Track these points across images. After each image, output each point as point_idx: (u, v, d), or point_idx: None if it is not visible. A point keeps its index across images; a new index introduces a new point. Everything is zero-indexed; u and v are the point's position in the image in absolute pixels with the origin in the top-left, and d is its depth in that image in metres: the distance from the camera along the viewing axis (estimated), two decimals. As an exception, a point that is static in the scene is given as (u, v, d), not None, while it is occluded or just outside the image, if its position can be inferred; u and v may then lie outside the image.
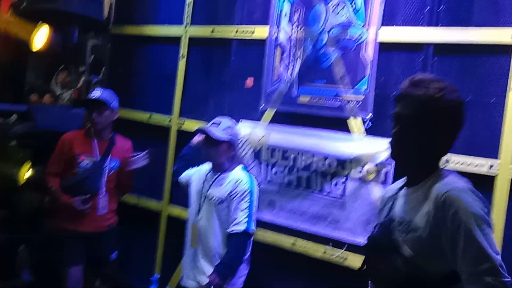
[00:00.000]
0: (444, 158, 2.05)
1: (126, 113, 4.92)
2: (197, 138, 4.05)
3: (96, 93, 4.15)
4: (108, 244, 4.26)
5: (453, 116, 1.96)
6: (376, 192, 3.55)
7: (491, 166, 3.17)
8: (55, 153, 4.18)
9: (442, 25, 3.45)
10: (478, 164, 3.21)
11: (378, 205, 2.28)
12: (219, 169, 3.71)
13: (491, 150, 3.20)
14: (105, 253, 4.25)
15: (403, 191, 2.11)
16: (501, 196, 3.12)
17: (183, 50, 4.71)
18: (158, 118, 4.83)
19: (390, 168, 3.50)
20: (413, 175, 2.07)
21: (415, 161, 2.02)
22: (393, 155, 2.06)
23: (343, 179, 3.72)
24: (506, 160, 3.12)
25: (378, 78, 3.65)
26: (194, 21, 4.69)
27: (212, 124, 3.70)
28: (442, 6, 3.46)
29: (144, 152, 4.11)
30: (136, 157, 4.11)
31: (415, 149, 1.98)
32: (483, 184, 3.15)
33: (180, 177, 4.00)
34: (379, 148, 3.53)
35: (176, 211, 4.64)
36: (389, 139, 2.03)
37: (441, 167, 2.03)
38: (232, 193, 3.60)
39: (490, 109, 3.22)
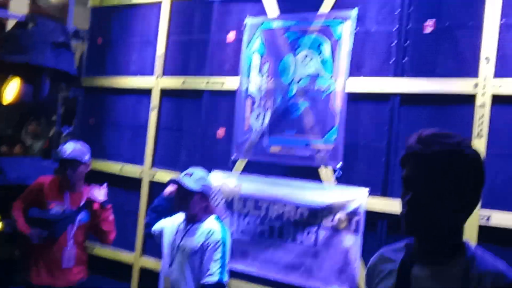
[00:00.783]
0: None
1: (98, 165, 4.90)
2: (169, 189, 4.05)
3: (69, 150, 4.12)
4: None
5: (476, 173, 1.65)
6: (348, 240, 3.57)
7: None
8: (28, 190, 4.17)
9: (407, 76, 3.55)
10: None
11: (367, 275, 1.89)
12: (192, 220, 3.70)
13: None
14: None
15: (419, 270, 1.69)
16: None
17: (155, 101, 4.74)
18: (130, 169, 4.83)
19: (361, 217, 3.54)
20: (436, 251, 1.67)
21: (438, 233, 1.65)
22: (410, 229, 1.66)
23: (315, 228, 3.74)
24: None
25: (347, 128, 3.72)
26: (165, 72, 4.74)
27: (185, 175, 3.70)
28: (406, 58, 3.56)
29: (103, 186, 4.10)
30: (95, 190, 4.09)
31: (438, 218, 1.63)
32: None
33: (152, 228, 3.98)
34: (350, 196, 3.58)
35: (149, 263, 4.60)
36: (401, 210, 1.67)
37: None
38: (205, 243, 3.58)
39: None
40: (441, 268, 1.65)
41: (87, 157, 4.16)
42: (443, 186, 1.60)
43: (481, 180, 1.66)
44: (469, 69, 3.32)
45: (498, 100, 3.20)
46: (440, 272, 1.66)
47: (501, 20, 3.23)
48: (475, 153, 1.65)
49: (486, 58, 3.22)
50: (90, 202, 4.20)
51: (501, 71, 3.21)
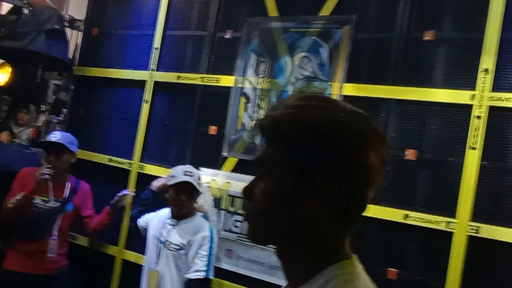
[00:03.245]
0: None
1: (86, 155, 4.86)
2: (157, 183, 4.02)
3: (55, 136, 4.10)
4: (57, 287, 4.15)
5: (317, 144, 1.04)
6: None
7: (448, 223, 3.22)
8: (14, 185, 4.11)
9: (404, 83, 3.54)
10: (436, 221, 3.26)
11: None
12: (180, 216, 3.68)
13: (449, 207, 3.26)
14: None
15: None
16: (458, 252, 3.17)
17: (148, 94, 4.71)
18: (119, 161, 4.78)
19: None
20: (291, 271, 1.10)
21: (287, 244, 1.09)
22: (249, 233, 1.11)
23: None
24: (463, 217, 3.18)
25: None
26: (161, 67, 4.71)
27: (185, 174, 3.66)
28: (404, 67, 3.56)
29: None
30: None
31: (283, 221, 1.07)
32: (441, 240, 3.22)
33: (138, 222, 3.95)
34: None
35: (132, 255, 4.55)
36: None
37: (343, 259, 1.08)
38: (191, 240, 3.57)
39: (450, 167, 3.31)
40: None
41: (74, 147, 4.13)
42: (294, 170, 1.05)
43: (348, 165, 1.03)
44: (467, 79, 3.32)
45: (494, 113, 3.21)
46: None
47: (502, 33, 3.24)
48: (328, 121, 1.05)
49: (485, 70, 3.23)
50: (74, 191, 4.18)
51: (498, 84, 3.22)
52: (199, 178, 3.69)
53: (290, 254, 1.07)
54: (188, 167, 3.73)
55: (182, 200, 3.61)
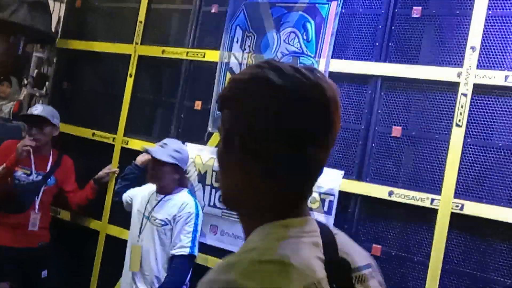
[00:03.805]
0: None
1: (69, 129, 4.81)
2: (142, 158, 4.00)
3: (37, 109, 4.07)
4: (38, 261, 4.15)
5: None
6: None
7: (432, 200, 3.24)
8: None
9: (391, 60, 3.54)
10: (421, 198, 3.28)
11: None
12: (164, 191, 3.67)
13: (434, 184, 3.29)
14: (34, 270, 4.13)
15: None
16: (442, 229, 3.19)
17: (132, 68, 4.65)
18: (102, 135, 4.74)
19: (334, 198, 3.53)
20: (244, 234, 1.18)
21: (236, 206, 1.22)
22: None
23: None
24: (447, 194, 3.20)
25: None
26: (145, 41, 4.65)
27: (159, 145, 3.66)
28: (391, 42, 3.55)
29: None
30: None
31: (228, 186, 1.19)
32: (425, 217, 3.25)
33: (122, 197, 3.93)
34: (324, 177, 3.56)
35: (116, 230, 4.54)
36: None
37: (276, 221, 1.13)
38: (176, 216, 3.56)
39: (435, 144, 3.32)
40: None
41: (56, 120, 4.11)
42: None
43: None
44: (454, 57, 3.33)
45: (479, 90, 3.22)
46: None
47: (488, 10, 3.24)
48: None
49: (472, 48, 3.23)
50: (57, 165, 4.16)
51: (484, 62, 3.23)
52: (175, 151, 3.61)
53: (240, 216, 1.18)
54: (167, 140, 3.71)
55: (151, 172, 3.62)
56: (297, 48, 3.85)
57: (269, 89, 1.09)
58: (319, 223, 1.18)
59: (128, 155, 4.39)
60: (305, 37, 3.83)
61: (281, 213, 1.11)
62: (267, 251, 1.04)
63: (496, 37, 3.23)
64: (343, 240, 1.20)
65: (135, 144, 4.46)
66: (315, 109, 1.09)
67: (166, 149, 3.60)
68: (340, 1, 3.74)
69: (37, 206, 4.07)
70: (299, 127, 1.08)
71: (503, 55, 3.20)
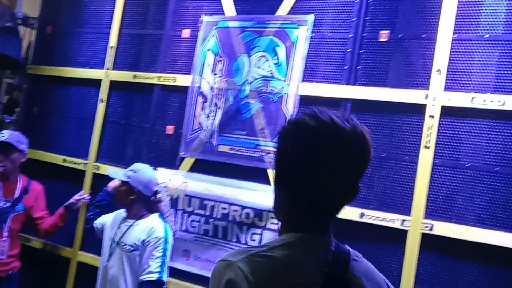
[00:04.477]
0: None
1: (40, 155, 4.77)
2: (113, 184, 3.97)
3: (3, 135, 4.04)
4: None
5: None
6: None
7: (403, 221, 3.27)
8: None
9: (360, 83, 3.58)
10: (391, 219, 3.30)
11: None
12: (134, 216, 3.64)
13: (404, 205, 3.31)
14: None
15: None
16: (413, 249, 3.22)
17: (103, 93, 4.64)
18: (73, 161, 4.69)
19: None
20: None
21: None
22: None
23: (260, 230, 3.72)
24: (417, 215, 3.23)
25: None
26: (117, 65, 4.65)
27: (126, 169, 3.66)
28: (360, 65, 3.60)
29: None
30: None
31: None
32: (396, 238, 3.27)
33: (94, 223, 3.89)
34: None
35: (87, 257, 4.48)
36: None
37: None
38: (146, 241, 3.52)
39: (404, 166, 3.35)
40: None
41: (23, 146, 4.08)
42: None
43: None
44: (421, 79, 3.38)
45: (446, 112, 3.27)
46: None
47: (453, 34, 3.30)
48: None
49: (438, 70, 3.29)
50: (25, 191, 4.11)
51: (451, 84, 3.28)
52: (133, 170, 3.62)
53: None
54: (136, 164, 3.71)
55: (118, 196, 3.61)
56: (268, 72, 3.88)
57: (298, 131, 1.38)
58: (340, 246, 1.42)
59: (100, 181, 4.35)
60: (275, 61, 3.87)
61: (295, 228, 1.40)
62: (267, 249, 1.34)
63: (461, 60, 3.29)
64: (362, 267, 1.41)
65: (107, 169, 4.42)
66: (333, 149, 1.34)
67: (130, 172, 3.61)
68: (310, 25, 3.79)
69: (5, 234, 4.00)
70: (312, 166, 1.35)
71: (468, 78, 3.26)
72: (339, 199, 1.41)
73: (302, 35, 3.80)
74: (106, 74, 4.66)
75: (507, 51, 3.18)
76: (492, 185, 3.13)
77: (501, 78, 3.17)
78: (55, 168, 4.76)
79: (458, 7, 3.31)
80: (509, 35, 3.18)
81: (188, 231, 4.00)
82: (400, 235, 3.27)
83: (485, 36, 3.24)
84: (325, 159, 1.34)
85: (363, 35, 3.62)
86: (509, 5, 3.21)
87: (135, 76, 4.50)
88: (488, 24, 3.25)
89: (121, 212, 3.73)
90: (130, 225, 3.61)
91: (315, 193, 1.37)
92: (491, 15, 3.25)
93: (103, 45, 4.74)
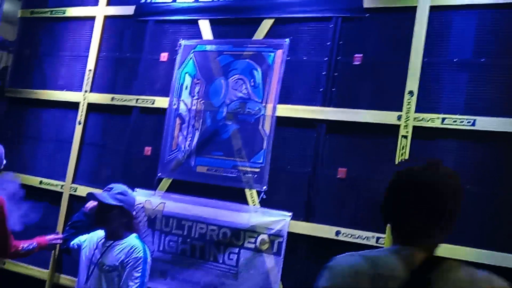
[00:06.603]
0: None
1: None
2: (90, 205, 3.97)
3: None
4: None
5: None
6: (270, 262, 3.62)
7: (378, 239, 3.34)
8: None
9: (334, 105, 3.68)
10: (367, 237, 3.38)
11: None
12: (112, 237, 3.64)
13: (378, 223, 3.38)
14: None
15: None
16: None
17: (81, 116, 4.67)
18: (50, 183, 4.69)
19: (284, 239, 3.60)
20: None
21: None
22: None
23: (237, 249, 3.76)
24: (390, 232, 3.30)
25: (274, 152, 3.80)
26: (94, 88, 4.69)
27: (104, 190, 3.66)
28: (334, 88, 3.70)
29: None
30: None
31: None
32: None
33: (71, 243, 3.88)
34: (274, 219, 3.64)
35: (63, 279, 4.46)
36: None
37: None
38: (125, 261, 3.52)
39: (378, 185, 3.43)
40: None
41: None
42: None
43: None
44: (394, 101, 3.49)
45: (418, 133, 3.37)
46: None
47: (424, 58, 3.43)
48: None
49: (410, 92, 3.40)
50: None
51: (422, 105, 3.40)
52: (120, 193, 3.60)
53: None
54: (113, 184, 3.71)
55: (97, 217, 3.59)
56: (244, 94, 3.96)
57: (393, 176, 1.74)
58: (442, 259, 1.61)
59: (77, 202, 4.35)
60: (252, 84, 3.95)
61: (394, 241, 1.70)
62: (368, 252, 1.68)
63: (432, 82, 3.41)
64: (456, 276, 1.57)
65: (84, 191, 4.41)
66: (408, 190, 1.67)
67: (111, 193, 3.60)
68: (286, 49, 3.89)
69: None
70: (394, 203, 1.71)
71: (439, 99, 3.38)
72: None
73: (278, 58, 3.90)
74: (84, 97, 4.69)
75: (475, 74, 3.31)
76: (462, 204, 3.21)
77: (470, 99, 3.29)
78: (31, 190, 4.73)
79: (428, 32, 3.44)
80: (477, 58, 3.32)
81: (166, 251, 4.02)
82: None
83: (455, 60, 3.37)
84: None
85: (337, 58, 3.73)
86: (477, 29, 3.35)
87: (113, 98, 4.55)
88: (457, 48, 3.38)
89: (98, 233, 3.72)
90: (109, 246, 3.61)
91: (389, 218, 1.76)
92: (460, 40, 3.38)
93: (82, 68, 4.78)
